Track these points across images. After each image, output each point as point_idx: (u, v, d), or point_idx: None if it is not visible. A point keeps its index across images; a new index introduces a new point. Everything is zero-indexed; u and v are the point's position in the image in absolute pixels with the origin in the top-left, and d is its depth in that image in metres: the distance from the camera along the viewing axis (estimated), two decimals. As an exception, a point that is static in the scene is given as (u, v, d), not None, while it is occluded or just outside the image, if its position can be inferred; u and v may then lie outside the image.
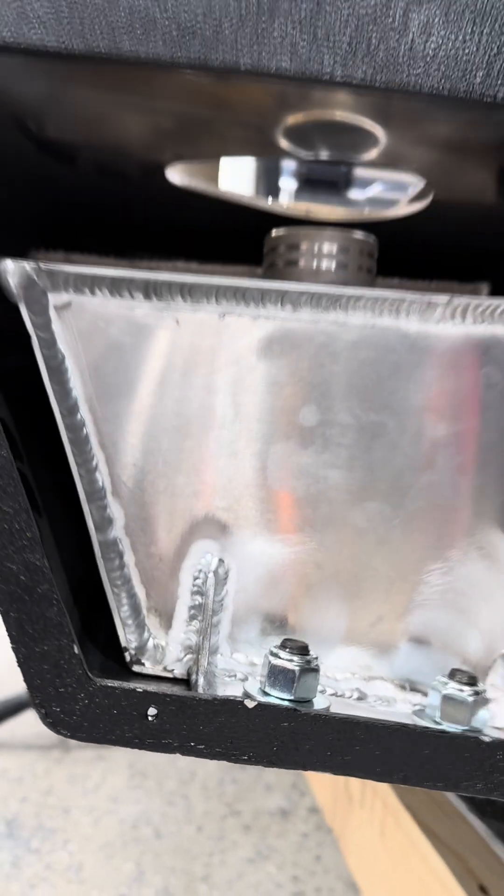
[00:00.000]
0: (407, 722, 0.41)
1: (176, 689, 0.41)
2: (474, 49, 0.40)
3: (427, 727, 0.41)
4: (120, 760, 1.87)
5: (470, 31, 0.40)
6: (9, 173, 0.56)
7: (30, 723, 1.95)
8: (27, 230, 0.66)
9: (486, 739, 0.40)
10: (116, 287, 0.47)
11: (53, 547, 0.51)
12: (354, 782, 1.06)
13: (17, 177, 0.57)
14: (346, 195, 0.61)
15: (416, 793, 0.89)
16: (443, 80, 0.40)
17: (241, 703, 0.40)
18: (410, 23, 0.40)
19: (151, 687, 0.40)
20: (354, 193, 0.60)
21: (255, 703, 0.40)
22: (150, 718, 0.39)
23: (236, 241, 0.63)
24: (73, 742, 1.98)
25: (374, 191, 0.59)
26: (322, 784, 1.39)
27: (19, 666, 0.39)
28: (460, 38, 0.40)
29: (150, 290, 0.48)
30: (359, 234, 0.55)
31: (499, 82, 0.40)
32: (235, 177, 0.60)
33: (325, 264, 0.54)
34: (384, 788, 0.99)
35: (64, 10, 0.37)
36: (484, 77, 0.40)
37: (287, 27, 0.39)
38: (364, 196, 0.61)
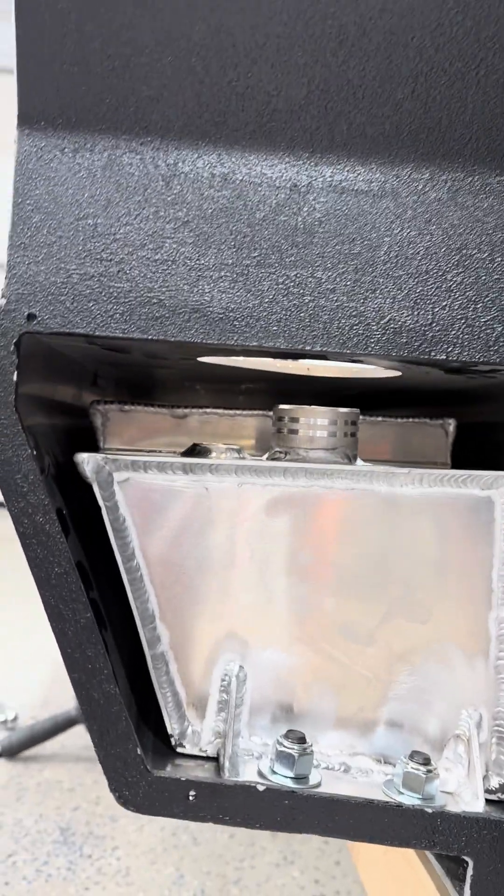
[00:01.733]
0: (374, 797, 0.58)
1: (209, 777, 0.58)
2: (414, 322, 0.56)
3: (386, 802, 0.57)
4: (159, 771, 2.04)
5: (410, 310, 0.56)
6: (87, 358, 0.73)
7: (78, 735, 2.14)
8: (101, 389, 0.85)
9: (429, 811, 0.57)
10: (162, 468, 0.65)
11: (117, 654, 0.68)
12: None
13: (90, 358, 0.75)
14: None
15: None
16: (390, 347, 0.56)
17: (255, 786, 0.57)
18: (367, 307, 0.56)
19: (192, 776, 0.57)
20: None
21: (265, 787, 0.57)
22: (190, 798, 0.57)
23: (255, 393, 0.80)
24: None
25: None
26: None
27: (100, 762, 0.56)
28: (403, 315, 0.56)
29: (188, 469, 0.65)
30: (344, 410, 0.71)
31: (430, 347, 0.56)
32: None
33: (318, 433, 0.71)
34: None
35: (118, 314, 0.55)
36: (420, 344, 0.56)
37: (281, 317, 0.56)
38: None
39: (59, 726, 2.08)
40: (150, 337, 0.55)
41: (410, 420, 0.84)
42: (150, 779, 0.57)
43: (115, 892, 1.54)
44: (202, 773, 0.60)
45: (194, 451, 0.72)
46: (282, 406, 0.72)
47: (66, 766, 2.02)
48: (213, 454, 0.70)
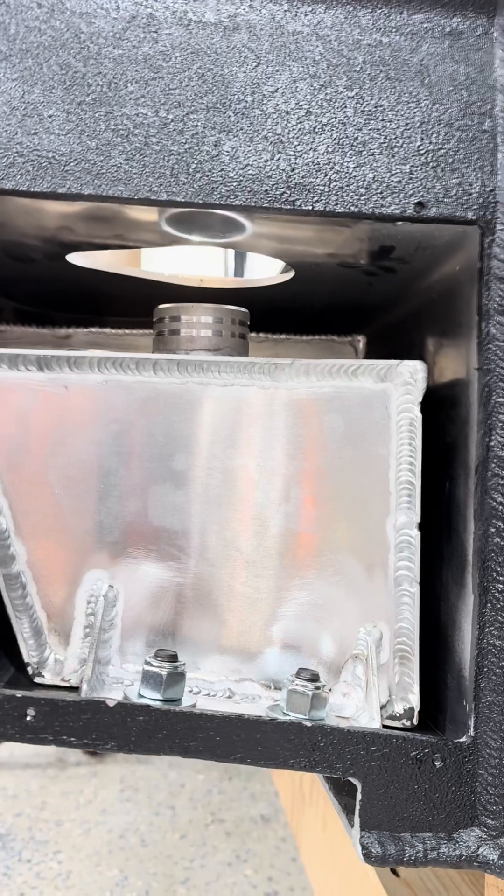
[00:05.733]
0: (249, 713, 0.50)
1: (50, 694, 0.51)
2: (275, 168, 0.50)
3: (259, 716, 0.50)
4: (113, 776, 1.96)
5: (270, 153, 0.50)
6: None
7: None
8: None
9: (308, 724, 0.50)
10: (13, 362, 0.57)
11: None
12: (306, 783, 1.15)
13: None
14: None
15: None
16: (249, 195, 0.50)
17: (104, 702, 0.49)
18: (222, 150, 0.50)
19: (29, 693, 0.50)
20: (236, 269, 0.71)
21: (115, 702, 0.49)
22: (28, 718, 0.49)
23: (143, 307, 0.73)
24: (69, 759, 2.06)
25: (250, 267, 0.69)
26: (284, 787, 1.47)
27: None
28: (263, 159, 0.50)
29: (43, 363, 0.58)
30: (230, 307, 0.64)
31: (297, 194, 0.50)
32: (132, 253, 0.70)
33: (202, 332, 0.64)
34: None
35: None
36: (284, 191, 0.50)
37: (120, 161, 0.49)
38: (243, 269, 0.71)
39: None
40: (-33, 184, 0.48)
41: (317, 337, 0.78)
42: (-23, 696, 0.49)
43: (53, 896, 1.44)
44: (42, 692, 0.52)
45: (64, 357, 0.64)
46: (162, 305, 0.65)
47: (12, 773, 1.92)
48: (83, 355, 0.63)
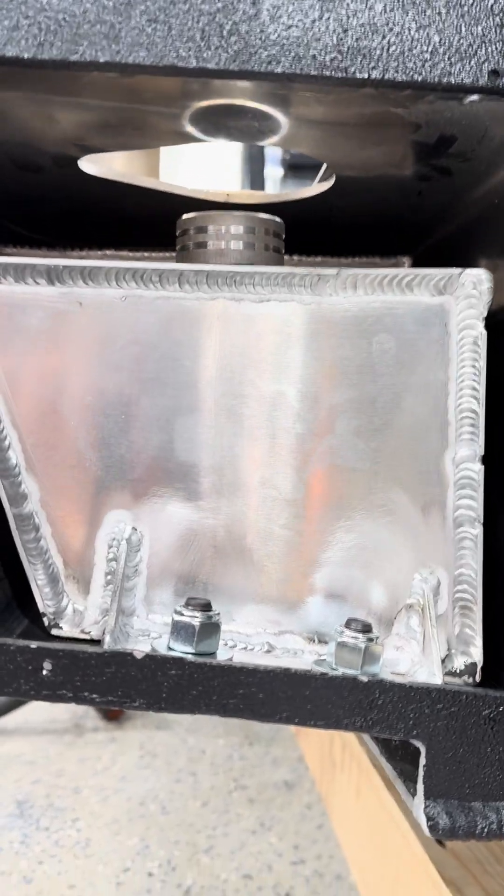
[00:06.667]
0: (295, 667, 0.44)
1: (69, 645, 0.44)
2: (324, 29, 0.42)
3: (307, 670, 0.43)
4: (131, 741, 1.92)
5: (318, 12, 0.42)
6: None
7: (44, 709, 2.01)
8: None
9: (364, 679, 0.43)
10: (20, 274, 0.50)
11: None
12: (336, 749, 1.09)
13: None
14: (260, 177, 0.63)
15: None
16: (294, 61, 0.42)
17: (131, 654, 0.43)
18: (261, 9, 0.42)
19: (46, 644, 0.43)
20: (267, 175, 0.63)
21: (143, 654, 0.43)
22: (45, 672, 0.43)
23: (163, 228, 0.66)
24: (86, 725, 2.03)
25: (283, 173, 0.61)
26: (313, 753, 1.43)
27: None
28: (310, 19, 0.42)
29: (53, 276, 0.51)
30: (264, 215, 0.57)
31: (349, 60, 0.42)
32: (152, 164, 0.63)
33: (232, 244, 0.56)
34: (358, 752, 1.02)
35: None
36: (336, 55, 0.42)
37: (142, 23, 0.41)
38: (274, 177, 0.63)
39: (18, 700, 1.95)
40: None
41: (357, 259, 0.70)
42: (-14, 647, 0.43)
43: (73, 864, 1.40)
44: (60, 644, 0.46)
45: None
46: (186, 216, 0.58)
47: (28, 739, 1.88)
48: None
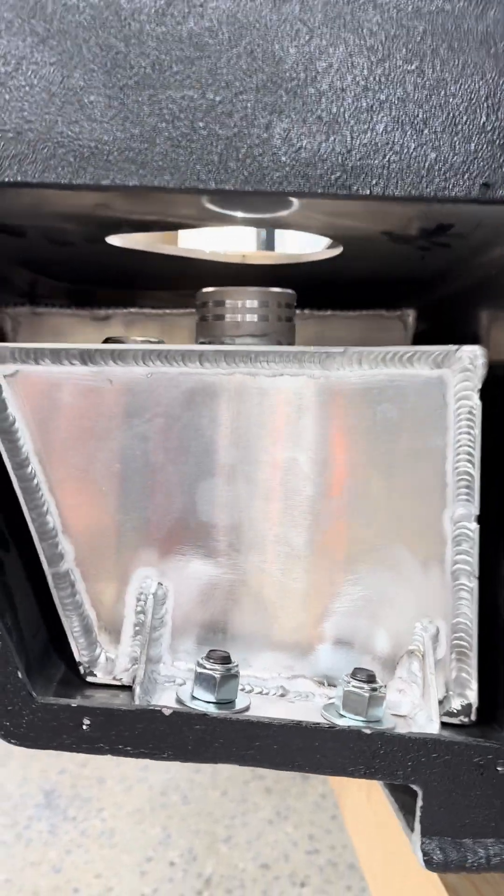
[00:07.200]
0: (305, 719, 0.49)
1: (105, 703, 0.50)
2: (329, 150, 0.47)
3: (317, 723, 0.49)
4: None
5: (325, 135, 0.47)
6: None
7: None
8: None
9: (367, 732, 0.48)
10: (56, 357, 0.55)
11: (22, 576, 0.59)
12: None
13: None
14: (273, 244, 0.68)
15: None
16: (303, 181, 0.47)
17: (160, 711, 0.48)
18: (273, 133, 0.46)
19: (85, 702, 0.49)
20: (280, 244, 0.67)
21: (171, 710, 0.48)
22: (84, 728, 0.48)
23: (185, 288, 0.71)
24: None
25: (295, 242, 0.66)
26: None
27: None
28: (317, 141, 0.47)
29: (86, 357, 0.56)
30: (276, 290, 0.62)
31: (353, 178, 0.47)
32: (171, 237, 0.67)
33: (248, 318, 0.61)
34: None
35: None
36: (340, 174, 0.47)
37: (166, 148, 0.46)
38: (287, 240, 0.68)
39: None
40: (6, 179, 0.45)
41: (364, 312, 0.75)
42: (34, 706, 0.48)
43: (98, 854, 1.48)
44: (100, 699, 0.52)
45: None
46: (205, 289, 0.62)
47: (53, 730, 1.94)
48: (127, 346, 0.61)
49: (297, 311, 0.73)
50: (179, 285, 0.74)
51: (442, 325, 0.73)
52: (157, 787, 1.73)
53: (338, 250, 0.65)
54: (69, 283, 0.78)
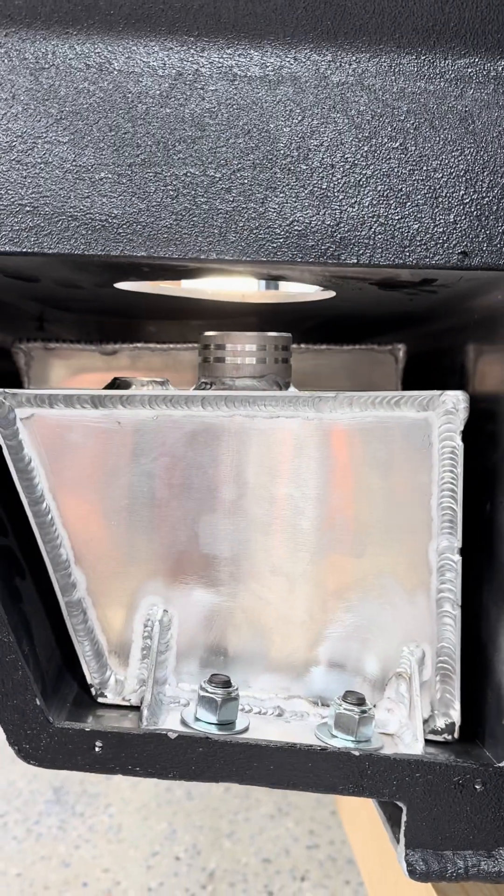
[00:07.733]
0: (297, 741, 0.54)
1: (116, 727, 0.54)
2: (320, 223, 0.51)
3: (309, 746, 0.53)
4: (157, 728, 2.03)
5: (316, 209, 0.51)
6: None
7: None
8: (11, 325, 0.80)
9: (356, 753, 0.53)
10: (69, 401, 0.60)
11: (38, 604, 0.64)
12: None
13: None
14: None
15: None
16: (295, 252, 0.51)
17: (166, 735, 0.53)
18: (268, 207, 0.51)
19: (97, 726, 0.53)
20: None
21: (176, 734, 0.53)
22: (96, 750, 0.53)
23: (188, 325, 0.75)
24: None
25: (291, 285, 0.70)
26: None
27: (-1, 713, 0.53)
28: (308, 214, 0.51)
29: (97, 402, 0.60)
30: (273, 334, 0.66)
31: (341, 248, 0.51)
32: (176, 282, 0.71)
33: (247, 360, 0.65)
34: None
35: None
36: (329, 245, 0.51)
37: (170, 222, 0.50)
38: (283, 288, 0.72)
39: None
40: (24, 250, 0.50)
41: (357, 347, 0.79)
42: (51, 730, 0.53)
43: (106, 849, 1.53)
44: (113, 722, 0.56)
45: (114, 385, 0.67)
46: (207, 333, 0.67)
47: (61, 727, 1.99)
48: (134, 388, 0.65)
49: (294, 346, 0.77)
50: (182, 316, 0.78)
51: (430, 361, 0.78)
52: (163, 782, 1.78)
53: (331, 294, 0.69)
54: (76, 313, 0.82)
